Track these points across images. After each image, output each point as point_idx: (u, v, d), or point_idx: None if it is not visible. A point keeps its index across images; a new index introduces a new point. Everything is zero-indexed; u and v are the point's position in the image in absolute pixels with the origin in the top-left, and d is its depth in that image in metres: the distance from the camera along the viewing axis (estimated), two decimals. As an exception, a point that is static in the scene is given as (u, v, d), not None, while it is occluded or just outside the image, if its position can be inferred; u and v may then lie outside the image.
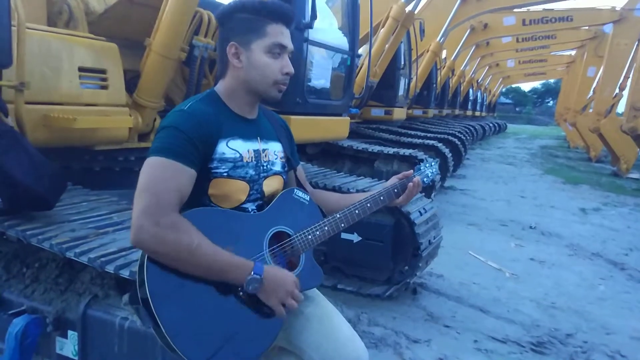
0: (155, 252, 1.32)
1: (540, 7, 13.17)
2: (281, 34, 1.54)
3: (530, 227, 6.73)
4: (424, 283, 4.21)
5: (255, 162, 1.58)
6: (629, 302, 4.24)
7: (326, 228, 1.60)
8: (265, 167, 1.62)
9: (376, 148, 6.21)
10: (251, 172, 1.57)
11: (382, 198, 1.70)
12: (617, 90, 13.14)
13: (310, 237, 1.58)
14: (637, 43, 12.02)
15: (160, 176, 1.35)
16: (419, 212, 3.75)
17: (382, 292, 3.72)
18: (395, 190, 1.72)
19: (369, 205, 1.67)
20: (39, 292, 2.14)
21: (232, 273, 1.37)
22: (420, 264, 3.70)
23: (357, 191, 3.69)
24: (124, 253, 1.95)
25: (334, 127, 4.97)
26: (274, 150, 1.68)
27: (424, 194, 4.25)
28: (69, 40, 2.83)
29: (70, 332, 2.04)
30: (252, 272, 1.38)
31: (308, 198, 1.69)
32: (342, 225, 1.63)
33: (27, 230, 2.10)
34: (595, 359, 3.19)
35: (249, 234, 1.49)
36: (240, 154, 1.53)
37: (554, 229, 6.68)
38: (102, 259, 1.88)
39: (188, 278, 1.36)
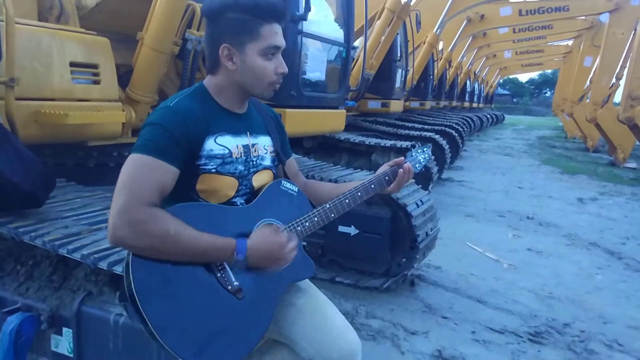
0: (134, 247, 1.31)
1: (536, -3, 13.15)
2: (275, 35, 1.50)
3: (528, 218, 6.73)
4: (422, 275, 4.20)
5: (244, 158, 1.56)
6: (626, 291, 4.25)
7: (316, 219, 1.58)
8: (254, 162, 1.60)
9: (373, 141, 6.19)
10: (240, 167, 1.55)
11: (372, 186, 1.67)
12: (613, 80, 13.11)
13: (299, 228, 1.56)
14: (633, 32, 11.98)
15: (140, 173, 1.33)
16: (416, 204, 3.74)
17: (380, 285, 3.72)
18: (387, 178, 1.69)
19: (359, 194, 1.65)
20: (33, 290, 2.13)
21: (215, 256, 1.39)
22: (417, 256, 3.69)
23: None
24: (117, 249, 1.92)
25: (329, 120, 4.95)
26: (264, 144, 1.66)
27: (421, 185, 4.23)
28: (60, 35, 2.80)
29: (65, 330, 2.03)
30: (235, 253, 1.38)
31: (296, 189, 1.67)
32: (332, 215, 1.61)
33: (20, 227, 2.08)
34: (592, 348, 3.19)
35: (237, 227, 1.47)
36: (229, 150, 1.51)
37: (552, 219, 6.69)
38: (95, 256, 1.87)
39: (174, 273, 1.34)
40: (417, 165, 1.79)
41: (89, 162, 3.24)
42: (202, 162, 1.46)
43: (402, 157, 1.74)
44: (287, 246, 1.46)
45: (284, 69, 1.55)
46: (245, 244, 1.39)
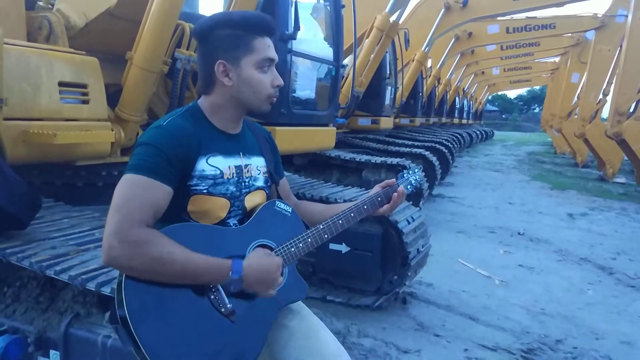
0: (128, 268, 1.29)
1: (523, 15, 13.32)
2: (268, 48, 1.51)
3: (519, 234, 6.76)
4: (414, 292, 4.19)
5: (236, 179, 1.55)
6: (617, 307, 4.26)
7: (309, 240, 1.57)
8: (247, 183, 1.59)
9: (364, 157, 6.21)
10: (232, 188, 1.54)
11: (365, 207, 1.67)
12: (601, 96, 13.30)
13: (293, 249, 1.54)
14: (619, 49, 12.18)
15: (134, 193, 1.32)
16: (407, 220, 3.74)
17: (371, 303, 3.70)
18: (379, 199, 1.69)
19: (352, 215, 1.65)
20: (20, 312, 2.10)
21: (210, 275, 1.36)
22: (409, 273, 3.68)
23: (345, 201, 3.68)
24: (105, 270, 1.91)
25: (320, 138, 4.95)
26: (257, 165, 1.65)
27: (411, 202, 4.24)
28: (49, 55, 2.80)
29: (52, 352, 2.00)
30: (231, 273, 1.36)
31: (290, 210, 1.66)
32: (326, 236, 1.60)
33: (7, 248, 2.06)
34: (585, 365, 3.19)
35: (231, 248, 1.45)
36: (221, 171, 1.50)
37: (542, 235, 6.71)
38: (83, 277, 1.85)
39: (168, 295, 1.32)
40: (409, 187, 1.79)
41: (78, 182, 3.21)
42: (194, 182, 1.45)
43: (394, 179, 1.75)
44: (280, 270, 1.45)
45: (280, 81, 1.55)
46: (241, 265, 1.38)
